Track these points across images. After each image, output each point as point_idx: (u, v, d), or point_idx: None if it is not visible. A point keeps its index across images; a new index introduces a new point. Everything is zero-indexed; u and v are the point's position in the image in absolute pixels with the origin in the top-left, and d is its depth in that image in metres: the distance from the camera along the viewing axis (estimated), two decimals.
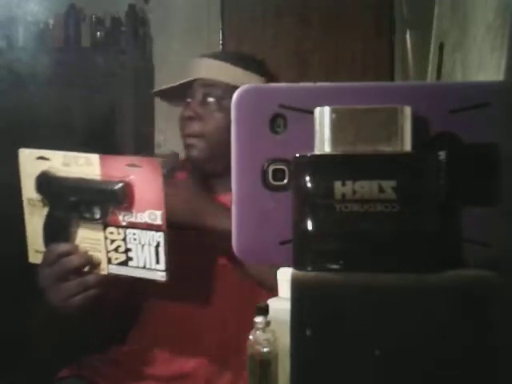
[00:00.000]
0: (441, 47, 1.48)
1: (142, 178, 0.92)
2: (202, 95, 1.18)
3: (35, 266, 1.01)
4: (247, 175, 0.53)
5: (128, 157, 0.95)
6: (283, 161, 0.52)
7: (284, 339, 0.76)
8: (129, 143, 2.73)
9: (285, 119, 0.52)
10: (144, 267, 0.94)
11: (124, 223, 0.94)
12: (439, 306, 0.48)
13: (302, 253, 0.49)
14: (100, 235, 0.96)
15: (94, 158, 0.94)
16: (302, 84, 0.53)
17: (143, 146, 2.76)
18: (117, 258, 0.96)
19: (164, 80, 2.78)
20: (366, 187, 0.47)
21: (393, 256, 0.48)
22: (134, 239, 0.94)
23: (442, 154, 0.51)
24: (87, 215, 0.95)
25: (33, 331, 1.12)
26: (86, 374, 1.13)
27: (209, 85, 1.18)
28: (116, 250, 0.95)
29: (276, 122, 0.52)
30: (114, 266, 0.96)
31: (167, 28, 2.83)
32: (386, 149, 0.48)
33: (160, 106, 2.71)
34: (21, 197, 1.01)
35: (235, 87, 1.29)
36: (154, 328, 1.14)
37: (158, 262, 0.93)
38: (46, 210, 0.99)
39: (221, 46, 2.85)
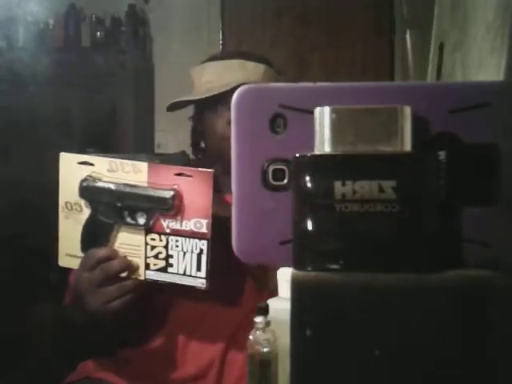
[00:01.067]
0: (441, 47, 1.48)
1: (192, 188, 0.94)
2: None
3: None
4: (247, 175, 0.53)
5: (177, 166, 0.98)
6: (283, 161, 0.52)
7: (284, 339, 0.76)
8: (129, 143, 2.73)
9: (285, 119, 0.52)
10: (184, 274, 0.96)
11: (168, 230, 0.96)
12: (439, 306, 0.48)
13: (302, 253, 0.49)
14: (140, 241, 0.98)
15: (143, 165, 0.97)
16: (302, 84, 0.53)
17: (143, 146, 2.76)
18: (156, 264, 0.97)
19: (164, 80, 2.78)
20: (366, 187, 0.47)
21: (393, 256, 0.48)
22: (177, 246, 0.96)
23: (442, 154, 0.51)
24: (131, 221, 0.97)
25: (56, 332, 1.12)
26: (99, 376, 1.12)
27: None
28: (156, 256, 0.97)
29: (276, 122, 0.52)
30: (152, 272, 0.97)
31: (167, 28, 2.83)
32: (386, 149, 0.48)
33: (160, 106, 2.72)
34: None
35: None
36: (168, 329, 1.13)
37: (199, 269, 0.96)
38: (84, 215, 1.00)
39: (221, 46, 2.85)
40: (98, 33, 2.83)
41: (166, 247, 0.96)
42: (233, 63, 1.20)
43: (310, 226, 0.48)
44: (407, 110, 0.48)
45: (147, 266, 0.97)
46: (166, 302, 1.13)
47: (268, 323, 0.79)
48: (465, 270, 0.50)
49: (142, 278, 0.98)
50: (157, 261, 0.97)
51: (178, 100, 1.22)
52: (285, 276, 0.82)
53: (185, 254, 0.96)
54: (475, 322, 0.48)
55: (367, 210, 0.47)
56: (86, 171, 0.99)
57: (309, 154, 0.49)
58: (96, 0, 2.88)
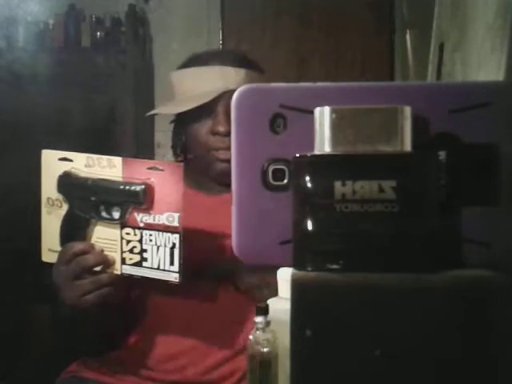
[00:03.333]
0: (441, 47, 1.48)
1: (163, 181, 0.95)
2: (230, 107, 1.14)
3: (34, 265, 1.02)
4: (247, 175, 0.53)
5: (150, 160, 0.98)
6: (283, 161, 0.52)
7: (284, 339, 0.76)
8: (129, 143, 2.73)
9: (285, 119, 0.52)
10: (158, 268, 0.97)
11: (141, 224, 0.96)
12: (439, 306, 0.48)
13: (301, 253, 0.49)
14: (116, 235, 0.98)
15: (117, 160, 0.97)
16: (302, 84, 0.53)
17: (143, 146, 2.76)
18: (131, 259, 0.98)
19: (164, 80, 2.78)
20: (366, 187, 0.47)
21: (393, 256, 0.48)
22: (150, 240, 0.96)
23: (442, 154, 0.51)
24: (106, 215, 0.98)
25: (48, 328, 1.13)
26: (85, 375, 1.13)
27: None
28: (131, 250, 0.97)
29: (276, 122, 0.52)
30: (128, 267, 0.98)
31: (167, 28, 2.83)
32: (385, 149, 0.48)
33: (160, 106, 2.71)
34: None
35: None
36: (152, 326, 1.14)
37: (172, 263, 0.96)
38: (63, 210, 1.01)
39: (221, 46, 2.85)
40: (98, 33, 2.83)
41: (140, 241, 0.97)
42: (213, 70, 1.16)
43: (310, 226, 0.48)
44: (407, 110, 0.48)
45: (123, 261, 0.98)
46: (146, 297, 1.14)
47: (268, 323, 0.79)
48: (465, 270, 0.50)
49: (118, 272, 0.98)
50: (132, 255, 0.97)
51: (157, 112, 1.22)
52: (285, 276, 0.82)
53: (158, 248, 0.96)
54: (475, 321, 0.48)
55: (367, 210, 0.47)
56: (65, 167, 1.00)
57: (309, 154, 0.49)
58: (96, 0, 2.88)
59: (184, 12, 2.86)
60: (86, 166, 0.98)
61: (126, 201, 0.96)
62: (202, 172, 1.17)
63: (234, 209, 0.53)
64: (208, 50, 1.26)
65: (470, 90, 0.52)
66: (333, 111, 0.49)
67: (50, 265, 1.02)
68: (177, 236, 0.95)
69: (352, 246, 0.48)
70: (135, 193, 0.95)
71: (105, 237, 0.99)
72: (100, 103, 2.76)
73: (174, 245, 0.95)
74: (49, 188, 1.01)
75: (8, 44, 2.77)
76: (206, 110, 1.13)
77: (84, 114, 2.67)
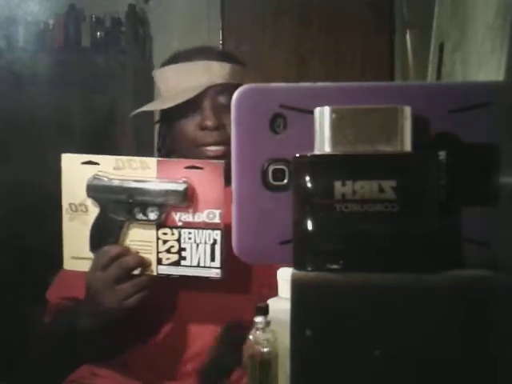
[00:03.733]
0: (441, 47, 1.48)
1: (203, 179, 0.94)
2: (217, 101, 1.13)
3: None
4: (247, 175, 0.53)
5: (187, 160, 0.98)
6: (283, 161, 0.52)
7: (284, 339, 0.76)
8: (129, 143, 2.73)
9: (285, 119, 0.52)
10: (198, 265, 0.96)
11: (180, 223, 0.96)
12: (439, 306, 0.48)
13: (302, 253, 0.49)
14: (152, 236, 0.97)
15: (151, 161, 0.96)
16: (302, 84, 0.53)
17: (143, 146, 2.76)
18: (168, 259, 0.97)
19: None
20: (366, 187, 0.47)
21: (393, 256, 0.48)
22: (189, 238, 0.96)
23: (442, 154, 0.51)
24: (142, 217, 0.97)
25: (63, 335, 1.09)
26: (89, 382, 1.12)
27: (223, 90, 1.13)
28: (168, 250, 0.97)
29: (276, 122, 0.52)
30: (165, 267, 0.97)
31: (167, 28, 2.83)
32: (385, 149, 0.48)
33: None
34: (55, 201, 1.01)
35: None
36: (168, 335, 1.12)
37: (213, 259, 0.96)
38: (90, 215, 0.99)
39: (221, 47, 2.85)
40: (98, 33, 2.83)
41: (178, 240, 0.96)
42: (197, 65, 1.16)
43: (310, 226, 0.48)
44: (407, 110, 0.48)
45: (159, 261, 0.97)
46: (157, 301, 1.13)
47: (268, 323, 0.79)
48: (465, 270, 0.50)
49: (154, 273, 0.97)
50: (169, 255, 0.97)
51: (144, 109, 1.19)
52: (285, 276, 0.82)
53: (198, 245, 0.96)
54: (475, 321, 0.48)
55: (367, 210, 0.47)
56: (91, 171, 0.98)
57: (309, 154, 0.49)
58: (96, 0, 2.88)
59: (184, 12, 2.86)
60: (115, 168, 0.97)
61: (166, 201, 0.95)
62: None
63: (234, 209, 0.53)
64: (191, 47, 1.24)
65: (470, 90, 0.52)
66: (333, 111, 0.49)
67: (53, 264, 1.02)
68: (218, 232, 0.95)
69: (352, 246, 0.48)
70: (177, 192, 0.94)
71: (139, 238, 0.98)
72: (100, 103, 2.76)
73: (215, 241, 0.95)
74: (71, 193, 0.99)
75: (8, 44, 2.77)
76: (192, 106, 1.13)
77: (84, 113, 2.67)
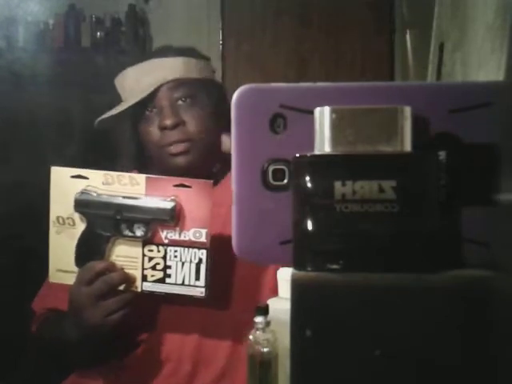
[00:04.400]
0: (441, 47, 1.48)
1: (191, 198, 0.95)
2: (173, 98, 1.11)
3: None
4: (247, 175, 0.53)
5: (176, 177, 0.98)
6: (283, 161, 0.52)
7: (284, 339, 0.76)
8: (129, 143, 2.73)
9: (285, 119, 0.52)
10: (182, 284, 0.97)
11: (166, 241, 0.96)
12: (439, 306, 0.48)
13: (301, 253, 0.49)
14: (138, 253, 0.97)
15: (140, 177, 0.97)
16: (302, 84, 0.53)
17: None
18: (153, 276, 0.97)
19: None
20: (365, 187, 0.47)
21: (393, 256, 0.48)
22: (175, 256, 0.96)
23: (442, 154, 0.51)
24: (129, 233, 0.97)
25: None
26: None
27: (177, 85, 1.11)
28: (154, 267, 0.97)
29: (276, 122, 0.52)
30: (149, 284, 0.97)
31: (167, 28, 2.83)
32: (385, 149, 0.48)
33: None
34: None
35: (200, 80, 1.22)
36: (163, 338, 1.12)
37: (197, 278, 0.96)
38: (77, 229, 0.99)
39: (221, 47, 2.85)
40: (98, 33, 2.83)
41: (164, 258, 0.97)
42: (149, 64, 1.13)
43: (310, 226, 0.48)
44: (407, 110, 0.48)
45: (144, 278, 0.97)
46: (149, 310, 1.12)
47: (268, 323, 0.79)
48: (465, 270, 0.50)
49: (138, 290, 0.97)
50: (154, 272, 0.97)
51: (105, 117, 1.15)
52: (285, 276, 0.82)
53: (183, 263, 0.96)
54: (475, 322, 0.48)
55: (367, 210, 0.47)
56: (80, 185, 0.98)
57: (309, 154, 0.49)
58: (96, 0, 2.88)
59: (184, 12, 2.86)
60: (104, 183, 0.97)
61: (154, 218, 0.95)
62: (162, 172, 1.08)
63: (234, 209, 0.53)
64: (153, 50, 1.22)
65: (470, 90, 0.52)
66: (333, 111, 0.49)
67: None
68: (204, 251, 0.95)
69: (352, 245, 0.48)
70: (165, 210, 0.94)
71: (125, 254, 0.98)
72: (100, 103, 2.76)
73: (200, 260, 0.96)
74: (59, 206, 0.99)
75: (8, 44, 2.77)
76: (151, 107, 1.11)
77: (84, 114, 2.67)
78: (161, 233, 0.96)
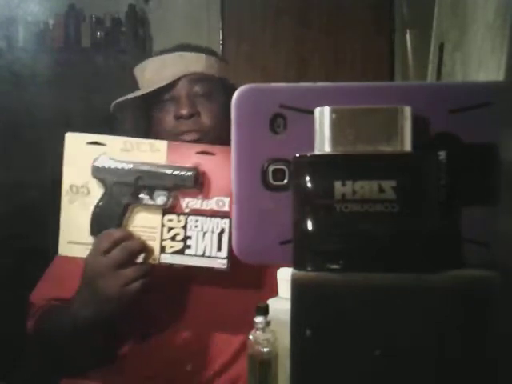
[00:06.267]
0: (441, 47, 1.48)
1: (215, 165, 0.92)
2: (191, 91, 1.14)
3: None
4: (247, 175, 0.53)
5: (199, 144, 0.95)
6: (283, 161, 0.52)
7: (284, 339, 0.76)
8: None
9: (285, 119, 0.52)
10: (203, 255, 0.92)
11: (187, 210, 0.92)
12: (439, 306, 0.48)
13: (302, 253, 0.49)
14: (156, 222, 0.93)
15: (161, 144, 0.93)
16: (302, 84, 0.53)
17: None
18: (172, 247, 0.93)
19: None
20: (365, 187, 0.47)
21: (393, 256, 0.48)
22: (196, 226, 0.92)
23: (442, 154, 0.51)
24: (149, 201, 0.92)
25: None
26: None
27: (197, 79, 1.14)
28: (173, 237, 0.93)
29: (276, 122, 0.52)
30: (168, 255, 0.93)
31: (167, 28, 2.83)
32: (386, 149, 0.48)
33: None
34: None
35: (218, 78, 1.23)
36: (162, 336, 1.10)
37: (219, 249, 0.92)
38: (91, 198, 0.94)
39: (221, 47, 2.85)
40: (98, 33, 2.83)
41: (184, 228, 0.92)
42: (171, 57, 1.17)
43: (310, 226, 0.48)
44: (407, 110, 0.48)
45: (162, 249, 0.92)
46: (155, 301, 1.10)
47: (268, 323, 0.79)
48: (465, 270, 0.50)
49: (156, 262, 0.93)
50: (173, 243, 0.92)
51: (121, 100, 1.17)
52: (285, 276, 0.82)
53: (205, 234, 0.92)
54: (475, 321, 0.48)
55: (367, 210, 0.47)
56: (96, 152, 0.93)
57: (309, 154, 0.49)
58: (96, 0, 2.88)
59: (184, 12, 2.86)
60: (122, 150, 0.93)
61: (176, 185, 0.91)
62: None
63: (234, 209, 0.53)
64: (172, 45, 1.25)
65: (469, 90, 0.52)
66: (333, 111, 0.49)
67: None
68: (227, 221, 0.91)
69: (352, 245, 0.48)
70: (187, 177, 0.90)
71: (142, 224, 0.93)
72: (100, 103, 2.76)
73: (222, 230, 0.92)
74: (73, 174, 0.94)
75: (8, 44, 2.77)
76: (168, 97, 1.13)
77: (84, 113, 2.67)
78: (182, 201, 0.92)
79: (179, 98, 1.13)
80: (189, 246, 0.92)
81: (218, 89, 1.16)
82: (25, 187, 2.52)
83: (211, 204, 0.91)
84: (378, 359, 0.47)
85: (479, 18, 1.13)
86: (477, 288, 0.48)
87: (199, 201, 0.92)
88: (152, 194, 0.92)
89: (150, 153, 0.92)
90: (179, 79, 1.13)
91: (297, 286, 0.48)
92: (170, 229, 0.93)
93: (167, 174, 0.91)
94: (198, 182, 0.91)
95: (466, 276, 0.49)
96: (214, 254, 0.92)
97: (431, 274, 0.48)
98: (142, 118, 1.20)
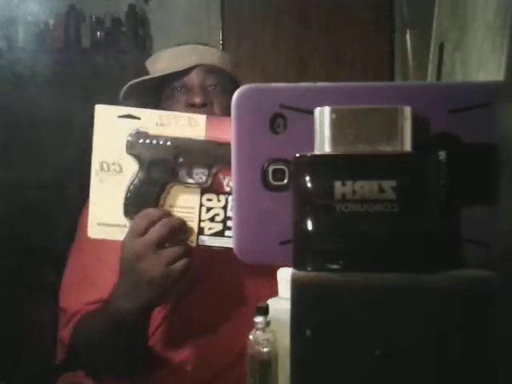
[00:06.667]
0: (441, 47, 1.48)
1: None
2: (204, 81, 1.14)
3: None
4: (247, 175, 0.53)
5: None
6: (283, 161, 0.52)
7: (284, 339, 0.76)
8: None
9: (285, 119, 0.52)
10: None
11: (228, 189, 0.86)
12: (439, 306, 0.48)
13: (302, 253, 0.49)
14: (195, 202, 0.87)
15: (200, 117, 0.87)
16: (302, 84, 0.53)
17: None
18: (211, 228, 0.87)
19: None
20: (365, 187, 0.47)
21: (393, 256, 0.48)
22: None
23: (442, 154, 0.51)
24: (188, 179, 0.87)
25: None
26: None
27: (210, 71, 1.14)
28: (212, 218, 0.87)
29: (276, 122, 0.52)
30: (206, 238, 0.87)
31: (167, 28, 2.83)
32: (386, 149, 0.48)
33: None
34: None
35: (229, 74, 1.23)
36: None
37: None
38: (123, 176, 0.88)
39: (221, 47, 2.85)
40: (98, 33, 2.83)
41: (224, 208, 0.87)
42: (185, 48, 1.18)
43: (310, 226, 0.48)
44: (407, 110, 0.48)
45: (201, 231, 0.87)
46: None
47: (268, 323, 0.79)
48: (465, 270, 0.50)
49: (193, 244, 0.87)
50: (213, 224, 0.87)
51: (134, 81, 1.15)
52: (285, 276, 0.82)
53: None
54: (475, 322, 0.48)
55: (367, 210, 0.47)
56: (129, 126, 0.87)
57: (309, 154, 0.49)
58: (96, 0, 2.88)
59: (184, 12, 2.87)
60: (158, 124, 0.87)
61: (217, 162, 0.85)
62: None
63: (234, 209, 0.53)
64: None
65: (469, 90, 0.52)
66: (333, 111, 0.49)
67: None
68: None
69: (352, 245, 0.48)
70: (228, 154, 0.82)
71: (180, 204, 0.88)
72: (100, 103, 2.75)
73: None
74: (104, 150, 0.88)
75: (8, 44, 2.77)
76: (180, 85, 1.13)
77: (84, 114, 2.67)
78: (222, 180, 0.86)
79: (192, 87, 1.13)
80: (229, 228, 0.86)
81: (228, 83, 1.16)
82: (25, 187, 2.52)
83: None
84: (378, 359, 0.47)
85: (479, 18, 1.13)
86: (477, 288, 0.48)
87: None
88: (191, 172, 0.87)
89: (188, 127, 0.86)
90: (193, 68, 1.13)
91: (297, 286, 0.48)
92: (209, 209, 0.87)
93: (207, 151, 0.86)
94: None
95: (466, 276, 0.49)
96: None
97: (431, 274, 0.48)
98: (151, 107, 1.19)
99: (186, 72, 1.13)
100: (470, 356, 0.48)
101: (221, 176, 0.86)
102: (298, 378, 0.49)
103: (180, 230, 0.86)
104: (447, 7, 1.46)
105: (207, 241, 0.87)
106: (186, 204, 0.88)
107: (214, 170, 0.86)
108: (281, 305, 0.80)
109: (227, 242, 0.86)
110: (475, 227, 0.51)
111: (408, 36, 2.35)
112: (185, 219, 0.87)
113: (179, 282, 0.87)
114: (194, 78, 1.13)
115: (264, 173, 0.53)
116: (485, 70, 1.08)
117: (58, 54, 2.80)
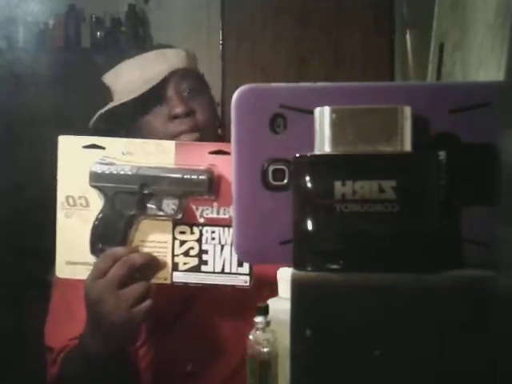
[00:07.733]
0: (441, 47, 1.48)
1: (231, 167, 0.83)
2: (180, 88, 1.06)
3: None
4: (247, 175, 0.53)
5: (212, 143, 0.83)
6: (283, 161, 0.52)
7: (284, 339, 0.75)
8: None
9: (285, 119, 0.52)
10: (222, 272, 0.81)
11: (202, 220, 0.81)
12: (439, 306, 0.48)
13: (302, 253, 0.49)
14: (167, 236, 0.82)
15: (169, 144, 0.81)
16: (302, 84, 0.53)
17: None
18: (186, 263, 0.82)
19: None
20: (365, 187, 0.47)
21: (393, 256, 0.48)
22: (213, 238, 0.81)
23: (442, 154, 0.51)
24: (156, 211, 0.81)
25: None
26: None
27: (184, 75, 1.07)
28: (186, 253, 0.82)
29: (276, 122, 0.52)
30: (181, 274, 0.82)
31: (167, 28, 2.83)
32: (385, 149, 0.48)
33: None
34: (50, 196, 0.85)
35: (198, 73, 1.14)
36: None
37: (240, 264, 0.80)
38: (91, 211, 0.83)
39: (221, 47, 2.85)
40: (98, 33, 2.83)
41: (199, 241, 0.81)
42: (151, 55, 1.08)
43: (310, 226, 0.48)
44: (407, 110, 0.48)
45: (175, 267, 0.82)
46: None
47: (268, 323, 0.79)
48: (465, 270, 0.50)
49: (168, 281, 0.82)
50: (187, 258, 0.81)
51: (102, 112, 1.08)
52: (285, 276, 0.82)
53: (223, 247, 0.81)
54: (475, 322, 0.48)
55: (367, 210, 0.47)
56: (95, 156, 0.82)
57: (309, 154, 0.49)
58: (96, 0, 2.88)
59: (184, 12, 2.86)
60: (124, 153, 0.82)
61: (187, 192, 0.79)
62: None
63: (234, 209, 0.53)
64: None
65: (469, 90, 0.52)
66: (333, 111, 0.49)
67: (51, 263, 0.97)
68: None
69: (352, 245, 0.48)
70: (200, 182, 0.78)
71: (151, 239, 0.82)
72: (100, 103, 2.76)
73: None
74: (69, 184, 0.83)
75: (8, 44, 2.77)
76: (156, 98, 1.05)
77: (84, 113, 2.67)
78: (195, 210, 0.80)
79: (170, 98, 1.05)
80: (205, 262, 0.81)
81: (201, 83, 1.11)
82: (25, 188, 2.52)
83: (229, 212, 0.79)
84: (378, 359, 0.47)
85: (479, 18, 1.13)
86: (477, 288, 0.48)
87: (215, 209, 0.80)
88: (160, 203, 0.81)
89: (157, 155, 0.81)
90: (165, 78, 1.05)
91: (297, 286, 0.48)
92: (183, 242, 0.82)
93: (177, 179, 0.80)
94: (213, 187, 0.79)
95: (466, 276, 0.49)
96: (234, 270, 0.81)
97: (431, 273, 0.48)
98: (127, 128, 1.10)
99: (158, 84, 1.04)
100: (470, 356, 0.48)
101: (193, 206, 0.81)
102: (298, 378, 0.49)
103: (146, 265, 0.81)
104: (447, 7, 1.46)
105: (182, 277, 0.82)
106: (157, 238, 0.82)
107: (185, 201, 0.80)
108: (281, 305, 0.80)
109: (204, 277, 0.82)
110: (475, 227, 0.51)
111: (408, 36, 2.35)
112: (157, 255, 0.82)
113: (142, 323, 0.84)
114: (169, 88, 1.05)
115: (264, 173, 0.53)
116: (485, 69, 1.08)
117: (58, 53, 2.80)
